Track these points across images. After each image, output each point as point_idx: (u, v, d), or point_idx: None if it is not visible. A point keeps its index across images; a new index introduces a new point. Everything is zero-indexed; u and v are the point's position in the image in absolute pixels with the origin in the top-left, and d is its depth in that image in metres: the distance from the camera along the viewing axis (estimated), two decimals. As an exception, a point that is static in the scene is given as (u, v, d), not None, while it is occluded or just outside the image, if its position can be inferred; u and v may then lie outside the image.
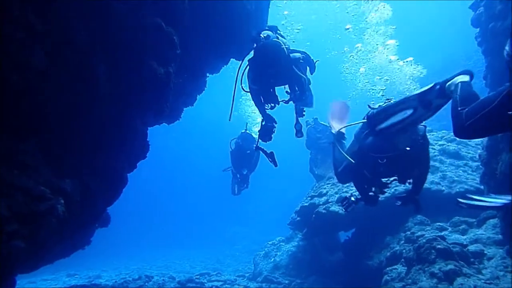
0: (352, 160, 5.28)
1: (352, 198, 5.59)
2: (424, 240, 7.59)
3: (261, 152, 9.19)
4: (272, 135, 6.95)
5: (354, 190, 6.14)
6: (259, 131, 6.97)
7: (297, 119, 6.91)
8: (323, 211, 11.51)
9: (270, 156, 6.76)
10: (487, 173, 7.57)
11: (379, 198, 5.38)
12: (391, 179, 5.27)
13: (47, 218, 3.21)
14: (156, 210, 40.50)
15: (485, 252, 7.55)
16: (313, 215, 11.82)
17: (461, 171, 11.08)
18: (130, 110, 5.11)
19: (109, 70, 4.49)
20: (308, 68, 7.17)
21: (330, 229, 12.10)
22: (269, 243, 15.53)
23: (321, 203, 12.05)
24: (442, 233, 8.40)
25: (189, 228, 35.53)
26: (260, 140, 6.93)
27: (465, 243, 7.98)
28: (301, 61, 6.74)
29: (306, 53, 7.07)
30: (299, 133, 6.87)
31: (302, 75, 6.63)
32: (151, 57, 5.01)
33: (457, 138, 5.38)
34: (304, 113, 7.15)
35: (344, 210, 5.67)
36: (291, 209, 14.45)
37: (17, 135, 3.27)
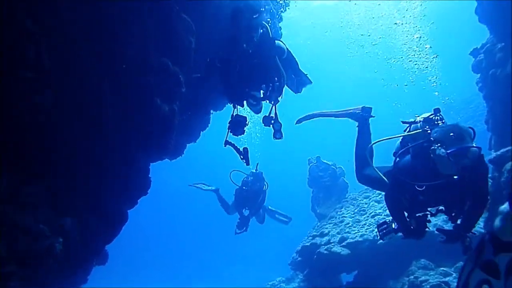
0: (383, 176, 4.51)
1: (393, 225, 4.52)
2: (428, 286, 7.41)
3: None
4: (245, 128, 6.02)
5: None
6: (229, 122, 6.03)
7: (276, 116, 5.96)
8: (325, 251, 11.29)
9: (243, 153, 6.03)
10: (490, 218, 7.48)
11: (423, 230, 4.30)
12: (437, 208, 4.35)
13: (45, 257, 3.16)
14: (152, 247, 39.90)
15: (492, 300, 7.32)
16: (315, 256, 11.60)
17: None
18: (134, 147, 5.14)
19: (115, 108, 4.55)
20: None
21: (332, 271, 11.83)
22: (269, 283, 15.14)
23: (322, 243, 11.83)
24: (447, 279, 8.19)
25: (186, 266, 34.85)
26: (230, 133, 6.00)
27: (470, 290, 7.75)
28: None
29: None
30: (277, 133, 5.95)
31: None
32: (156, 95, 5.10)
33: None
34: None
35: (379, 237, 4.63)
36: (292, 247, 14.17)
37: (22, 175, 3.27)
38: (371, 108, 5.45)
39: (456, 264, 9.12)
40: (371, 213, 11.92)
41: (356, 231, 11.29)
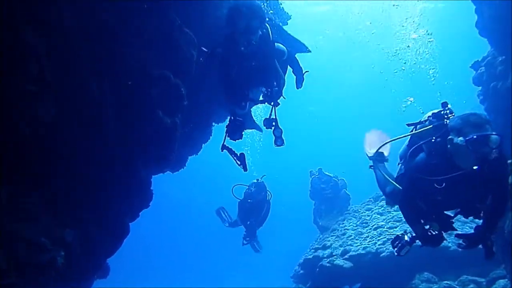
0: (397, 185, 4.28)
1: (406, 238, 4.23)
2: (431, 300, 7.33)
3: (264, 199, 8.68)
4: (243, 133, 5.81)
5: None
6: (226, 126, 5.80)
7: (276, 122, 5.76)
8: (327, 264, 11.21)
9: (240, 158, 5.82)
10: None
11: (437, 239, 3.98)
12: (454, 212, 4.05)
13: (47, 270, 3.16)
14: (153, 259, 39.71)
15: (496, 314, 7.25)
16: (317, 269, 11.52)
17: (467, 227, 10.85)
18: (136, 159, 5.16)
19: (116, 120, 4.58)
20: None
21: (335, 284, 11.72)
22: (271, 297, 15.03)
23: (325, 256, 11.75)
24: (450, 292, 8.12)
25: (187, 278, 34.55)
26: (228, 138, 5.77)
27: (474, 304, 7.67)
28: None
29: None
30: (278, 140, 5.74)
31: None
32: (158, 108, 5.13)
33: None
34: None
35: (396, 253, 4.31)
36: (294, 260, 14.10)
37: (22, 185, 3.29)
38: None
39: (460, 277, 9.05)
40: (373, 225, 11.85)
41: (358, 244, 11.21)
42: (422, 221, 4.07)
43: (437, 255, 9.35)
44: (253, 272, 36.18)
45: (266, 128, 5.87)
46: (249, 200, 9.79)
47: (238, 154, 5.88)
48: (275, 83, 5.49)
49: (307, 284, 12.65)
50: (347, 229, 12.42)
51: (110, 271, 6.67)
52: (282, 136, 5.77)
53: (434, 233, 3.98)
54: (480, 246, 3.98)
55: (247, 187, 10.07)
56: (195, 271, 37.75)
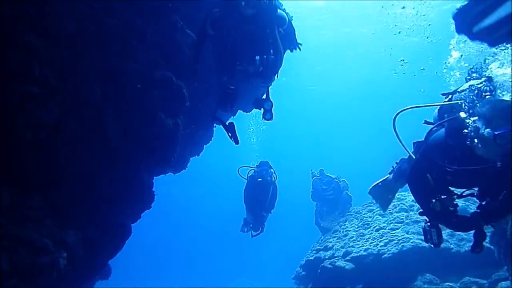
0: (410, 153, 4.02)
1: (427, 226, 3.96)
2: (433, 301, 7.30)
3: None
4: (234, 104, 5.35)
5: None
6: (218, 96, 5.44)
7: (267, 96, 5.40)
8: (329, 266, 11.19)
9: (230, 129, 5.51)
10: (497, 232, 7.40)
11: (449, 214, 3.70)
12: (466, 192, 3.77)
13: (49, 272, 3.16)
14: (154, 261, 39.66)
15: (498, 316, 7.22)
16: (319, 270, 11.49)
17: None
18: (137, 160, 5.16)
19: (118, 122, 4.59)
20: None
21: (336, 285, 11.70)
22: (273, 298, 15.02)
23: (326, 257, 11.74)
24: (452, 294, 8.09)
25: (189, 279, 34.54)
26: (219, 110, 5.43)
27: (476, 306, 7.65)
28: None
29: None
30: (267, 113, 5.38)
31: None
32: (160, 109, 5.13)
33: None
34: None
35: (432, 244, 3.94)
36: (296, 261, 14.07)
37: (24, 188, 3.29)
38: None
39: (462, 279, 9.02)
40: (375, 226, 11.84)
41: (360, 245, 11.19)
42: (430, 198, 3.78)
43: (439, 256, 9.34)
44: (254, 273, 36.16)
45: (255, 108, 5.60)
46: (258, 179, 9.04)
47: (227, 124, 5.57)
48: (272, 51, 5.01)
49: (308, 286, 12.63)
50: (349, 231, 12.40)
51: (112, 272, 6.69)
52: (272, 110, 5.43)
53: (440, 210, 3.72)
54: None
55: (252, 169, 9.49)
56: (196, 272, 37.71)
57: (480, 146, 3.21)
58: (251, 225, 9.45)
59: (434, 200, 3.72)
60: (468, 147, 3.31)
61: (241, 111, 8.54)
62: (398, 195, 13.29)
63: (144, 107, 4.85)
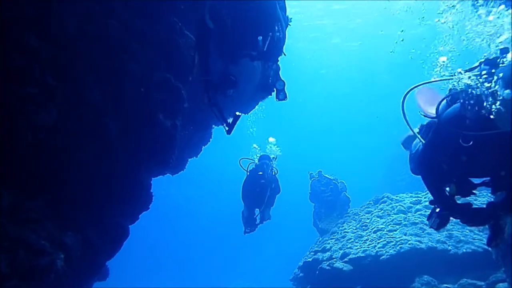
0: (420, 138, 3.72)
1: (437, 210, 3.64)
2: (431, 303, 7.31)
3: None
4: (231, 88, 4.89)
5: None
6: (218, 80, 4.99)
7: (278, 76, 5.14)
8: (327, 267, 11.20)
9: (233, 119, 5.21)
10: (495, 234, 7.42)
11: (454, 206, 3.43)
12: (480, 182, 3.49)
13: (47, 273, 3.16)
14: (152, 262, 39.66)
15: (496, 318, 7.23)
16: (317, 271, 11.50)
17: (467, 231, 10.85)
18: (136, 162, 5.16)
19: (117, 124, 4.59)
20: None
21: (335, 287, 11.72)
22: (271, 299, 15.00)
23: (324, 258, 11.74)
24: (450, 296, 8.11)
25: (186, 282, 34.55)
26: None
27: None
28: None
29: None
30: (280, 93, 5.12)
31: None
32: (159, 110, 5.13)
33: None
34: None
35: (435, 228, 3.65)
36: (294, 262, 14.07)
37: (24, 190, 3.29)
38: None
39: (459, 280, 9.04)
40: (373, 228, 11.86)
41: (358, 247, 11.21)
42: (443, 186, 3.54)
43: (437, 258, 9.36)
44: (252, 274, 36.15)
45: (263, 91, 5.31)
46: (259, 173, 8.74)
47: (236, 115, 5.22)
48: (276, 28, 4.68)
49: (306, 287, 12.63)
50: (347, 232, 12.41)
51: (111, 273, 6.67)
52: (285, 89, 5.12)
53: (449, 196, 3.47)
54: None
55: (252, 162, 9.22)
56: (194, 273, 37.70)
57: (499, 112, 2.92)
58: (257, 216, 9.02)
59: (450, 184, 3.46)
60: (486, 119, 3.03)
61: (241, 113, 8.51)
62: (396, 197, 13.37)
63: (143, 108, 4.85)
